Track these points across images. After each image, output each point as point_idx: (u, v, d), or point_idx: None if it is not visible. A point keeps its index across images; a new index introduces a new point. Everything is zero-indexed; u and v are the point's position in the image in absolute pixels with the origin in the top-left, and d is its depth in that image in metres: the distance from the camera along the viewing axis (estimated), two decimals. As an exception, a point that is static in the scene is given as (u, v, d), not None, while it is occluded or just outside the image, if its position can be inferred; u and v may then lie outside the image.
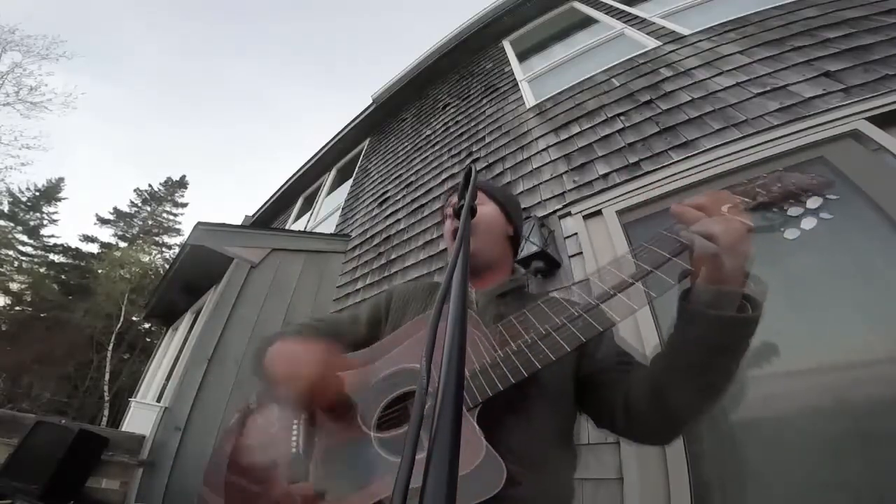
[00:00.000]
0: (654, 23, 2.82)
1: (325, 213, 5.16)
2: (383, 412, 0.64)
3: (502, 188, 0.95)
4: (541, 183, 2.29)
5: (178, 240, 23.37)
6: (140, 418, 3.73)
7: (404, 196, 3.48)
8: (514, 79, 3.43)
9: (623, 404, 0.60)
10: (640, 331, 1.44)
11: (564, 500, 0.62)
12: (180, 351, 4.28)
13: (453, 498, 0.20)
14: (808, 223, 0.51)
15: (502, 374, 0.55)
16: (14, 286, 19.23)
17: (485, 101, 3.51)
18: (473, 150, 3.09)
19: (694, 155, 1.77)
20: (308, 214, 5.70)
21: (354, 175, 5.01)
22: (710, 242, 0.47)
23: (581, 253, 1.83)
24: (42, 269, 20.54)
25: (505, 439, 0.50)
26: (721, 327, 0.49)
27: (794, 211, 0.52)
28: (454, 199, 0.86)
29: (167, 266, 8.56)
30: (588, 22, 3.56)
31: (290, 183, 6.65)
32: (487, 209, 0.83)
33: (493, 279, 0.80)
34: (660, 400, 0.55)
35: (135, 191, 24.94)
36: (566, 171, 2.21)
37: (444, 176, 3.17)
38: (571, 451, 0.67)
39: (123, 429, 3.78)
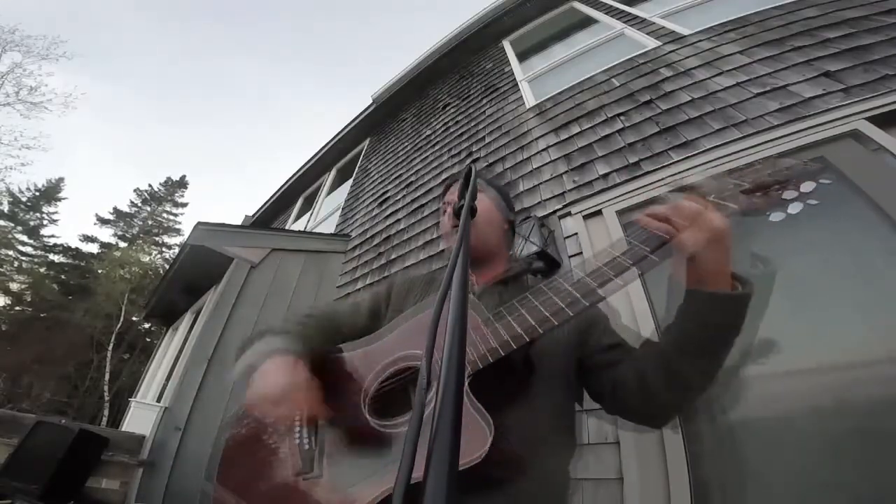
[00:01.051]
0: (654, 23, 2.82)
1: (325, 213, 5.16)
2: (378, 389, 0.65)
3: (494, 179, 0.97)
4: (541, 183, 2.29)
5: (178, 240, 23.38)
6: (140, 418, 3.73)
7: (404, 196, 3.48)
8: (514, 79, 3.43)
9: (627, 383, 0.61)
10: (636, 318, 1.44)
11: (560, 486, 0.64)
12: (180, 351, 4.28)
13: (454, 497, 0.20)
14: (795, 208, 0.53)
15: (493, 348, 0.55)
16: (14, 286, 19.23)
17: (485, 101, 3.51)
18: (473, 150, 3.09)
19: (694, 155, 1.77)
20: (308, 214, 5.70)
21: (354, 175, 5.01)
22: (671, 219, 0.52)
23: (581, 253, 1.83)
24: (42, 269, 20.53)
25: (501, 424, 0.51)
26: (713, 305, 0.51)
27: (788, 194, 0.54)
28: (454, 192, 0.89)
29: (167, 266, 8.56)
30: (588, 22, 3.56)
31: (290, 183, 6.65)
32: (485, 200, 0.84)
33: (492, 271, 0.81)
34: (655, 380, 0.56)
35: (135, 191, 24.96)
36: (566, 171, 2.21)
37: (444, 176, 3.17)
38: (570, 439, 0.68)
39: (123, 429, 3.78)
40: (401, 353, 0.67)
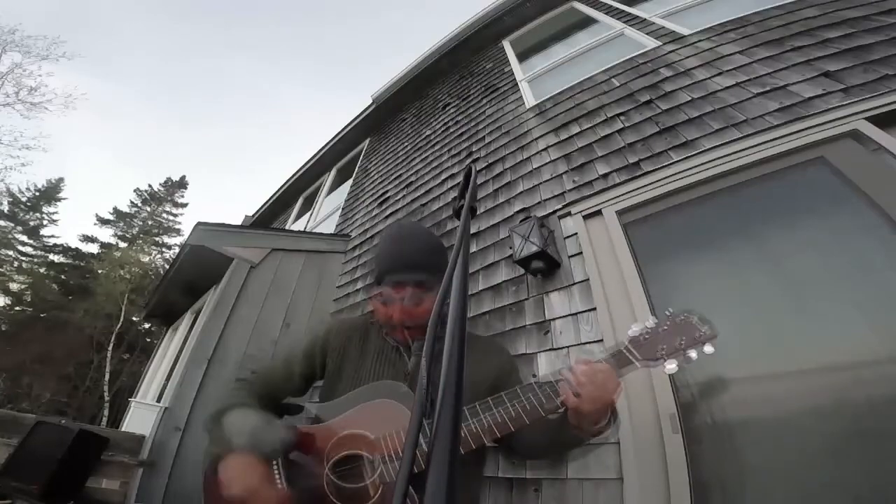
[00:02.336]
0: (654, 23, 2.82)
1: (325, 213, 5.16)
2: (334, 471, 0.73)
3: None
4: (541, 183, 2.29)
5: (178, 240, 23.38)
6: (140, 418, 3.72)
7: (404, 196, 3.48)
8: (514, 79, 3.43)
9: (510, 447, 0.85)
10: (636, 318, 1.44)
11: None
12: (180, 351, 4.27)
13: (453, 497, 0.20)
14: (692, 355, 0.71)
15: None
16: (14, 286, 19.23)
17: (485, 101, 3.51)
18: (473, 150, 3.09)
19: (694, 155, 1.77)
20: (308, 214, 5.70)
21: (354, 175, 5.01)
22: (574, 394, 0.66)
23: (581, 253, 1.83)
24: (42, 269, 20.53)
25: None
26: (574, 439, 0.74)
27: (669, 369, 0.71)
28: (408, 275, 0.89)
29: (167, 266, 8.57)
30: (588, 22, 3.56)
31: (289, 183, 6.65)
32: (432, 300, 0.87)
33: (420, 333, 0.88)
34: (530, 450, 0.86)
35: (135, 191, 24.95)
36: (566, 171, 2.21)
37: (444, 176, 3.17)
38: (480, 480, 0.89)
39: (123, 429, 3.78)
40: (351, 431, 0.75)
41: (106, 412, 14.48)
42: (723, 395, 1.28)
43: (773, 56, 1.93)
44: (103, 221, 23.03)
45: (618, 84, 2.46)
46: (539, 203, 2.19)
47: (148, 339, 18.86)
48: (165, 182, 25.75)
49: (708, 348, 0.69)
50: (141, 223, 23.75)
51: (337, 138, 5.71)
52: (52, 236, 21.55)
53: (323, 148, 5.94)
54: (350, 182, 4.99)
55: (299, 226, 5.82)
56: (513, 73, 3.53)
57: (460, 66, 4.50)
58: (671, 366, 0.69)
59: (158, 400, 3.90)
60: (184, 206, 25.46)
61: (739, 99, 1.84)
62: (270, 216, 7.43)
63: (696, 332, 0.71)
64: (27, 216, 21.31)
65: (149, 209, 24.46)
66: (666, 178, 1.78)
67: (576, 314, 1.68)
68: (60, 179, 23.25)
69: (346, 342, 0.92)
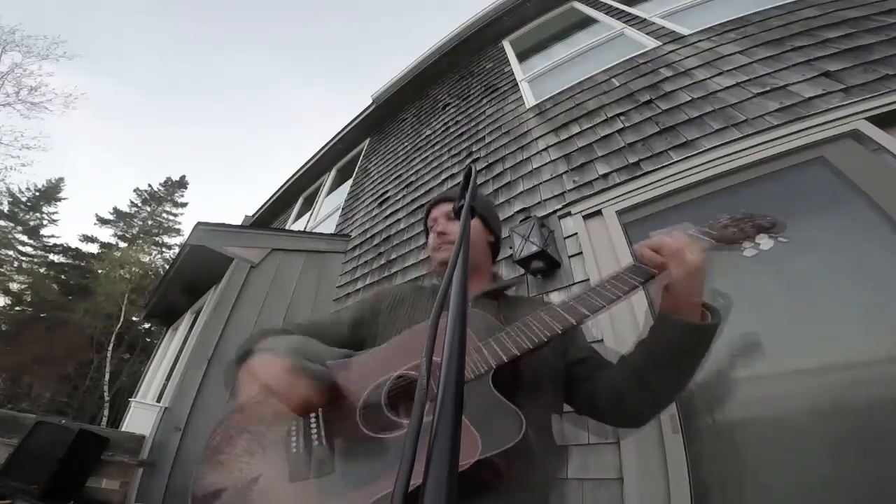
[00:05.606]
0: (654, 23, 2.82)
1: (325, 213, 5.16)
2: (371, 399, 0.65)
3: (481, 197, 1.03)
4: (541, 183, 2.29)
5: (178, 240, 23.39)
6: (140, 418, 3.73)
7: (404, 196, 3.48)
8: (514, 79, 3.43)
9: (601, 393, 0.69)
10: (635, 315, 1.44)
11: (543, 494, 0.66)
12: (180, 351, 4.27)
13: (453, 497, 0.20)
14: (766, 244, 0.62)
15: (483, 358, 0.59)
16: (14, 286, 19.24)
17: (485, 101, 3.51)
18: (473, 150, 3.09)
19: (694, 155, 1.77)
20: (308, 214, 5.70)
21: (354, 175, 5.01)
22: (657, 254, 0.60)
23: (581, 253, 1.83)
24: (42, 269, 20.54)
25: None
26: (682, 332, 0.59)
27: (748, 252, 0.62)
28: (440, 209, 0.97)
29: (167, 266, 8.57)
30: (588, 22, 3.56)
31: (289, 183, 6.65)
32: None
33: (476, 282, 0.88)
34: (628, 394, 0.65)
35: (135, 191, 24.99)
36: (566, 171, 2.21)
37: (444, 176, 3.17)
38: (553, 447, 0.74)
39: (123, 429, 3.78)
40: (401, 363, 0.68)
41: (106, 412, 14.48)
42: (723, 395, 1.28)
43: (773, 56, 1.93)
44: (103, 221, 23.05)
45: (618, 84, 2.46)
46: (539, 203, 2.19)
47: (148, 339, 18.87)
48: (165, 182, 25.76)
49: (767, 242, 0.61)
50: (141, 223, 23.75)
51: (337, 138, 5.71)
52: (52, 236, 21.60)
53: (323, 148, 5.94)
54: (350, 182, 4.99)
55: (299, 226, 5.82)
56: (513, 73, 3.53)
57: (460, 66, 4.50)
58: (750, 250, 0.61)
59: (158, 400, 3.90)
60: (184, 205, 25.49)
61: (739, 99, 1.83)
62: (270, 216, 7.42)
63: (763, 220, 0.63)
64: (27, 216, 21.32)
65: (149, 209, 24.47)
66: (666, 178, 1.78)
67: (576, 314, 1.68)
68: (60, 179, 23.29)
69: (396, 306, 0.88)
